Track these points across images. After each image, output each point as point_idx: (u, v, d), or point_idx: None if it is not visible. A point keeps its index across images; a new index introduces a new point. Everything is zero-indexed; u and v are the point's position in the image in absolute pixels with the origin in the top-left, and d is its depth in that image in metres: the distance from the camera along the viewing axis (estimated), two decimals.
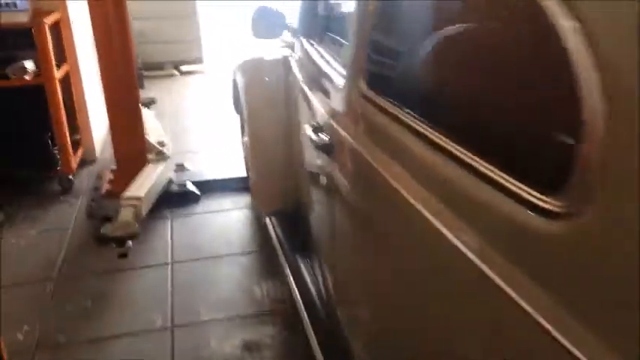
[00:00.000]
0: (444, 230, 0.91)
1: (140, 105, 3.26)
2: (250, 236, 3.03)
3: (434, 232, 0.93)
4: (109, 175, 3.43)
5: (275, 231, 2.71)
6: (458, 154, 0.91)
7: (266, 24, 2.54)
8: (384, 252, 1.27)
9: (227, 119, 4.17)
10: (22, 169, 3.45)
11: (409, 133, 1.10)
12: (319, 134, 1.55)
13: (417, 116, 1.09)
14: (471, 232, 0.85)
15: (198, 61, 6.47)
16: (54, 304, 2.47)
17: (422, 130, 1.05)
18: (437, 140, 0.99)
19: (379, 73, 1.35)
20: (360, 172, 1.34)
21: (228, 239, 2.98)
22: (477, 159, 0.86)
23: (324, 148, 1.52)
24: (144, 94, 4.09)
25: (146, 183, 2.98)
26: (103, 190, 3.30)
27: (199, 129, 4.64)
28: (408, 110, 1.14)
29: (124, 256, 2.64)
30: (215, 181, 3.53)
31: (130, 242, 2.66)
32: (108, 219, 2.94)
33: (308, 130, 1.66)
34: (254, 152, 2.76)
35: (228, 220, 3.18)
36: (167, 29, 6.19)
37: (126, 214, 2.71)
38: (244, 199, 3.36)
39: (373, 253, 1.34)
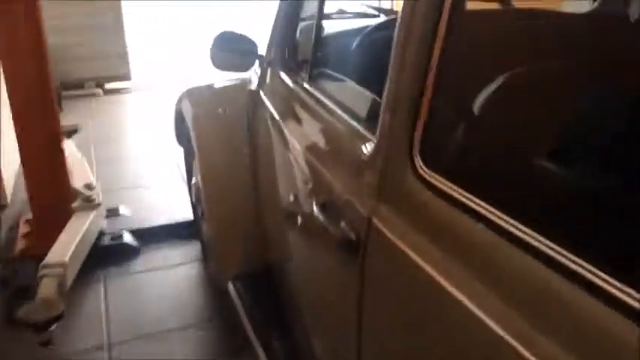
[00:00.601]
0: None
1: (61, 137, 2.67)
2: (205, 300, 2.50)
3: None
4: (24, 228, 2.79)
5: (240, 296, 2.22)
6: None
7: (232, 52, 1.97)
8: None
9: (165, 147, 3.59)
10: None
11: (497, 237, 0.73)
12: (340, 225, 1.06)
13: (512, 214, 0.73)
14: None
15: (124, 77, 5.83)
16: None
17: (519, 233, 0.70)
18: (548, 252, 0.66)
19: (449, 145, 0.90)
20: (414, 283, 0.89)
21: (180, 306, 2.44)
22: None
23: (348, 245, 1.03)
24: (63, 118, 3.44)
25: (71, 242, 2.38)
26: (17, 249, 2.67)
27: (133, 160, 4.02)
28: (496, 204, 0.75)
29: (47, 343, 2.05)
30: (156, 227, 2.97)
31: (54, 325, 2.08)
32: (24, 290, 2.33)
33: (313, 208, 1.17)
34: (209, 202, 2.23)
35: (176, 279, 2.64)
36: (87, 42, 5.53)
37: (47, 290, 2.10)
38: (193, 250, 2.81)
39: None
